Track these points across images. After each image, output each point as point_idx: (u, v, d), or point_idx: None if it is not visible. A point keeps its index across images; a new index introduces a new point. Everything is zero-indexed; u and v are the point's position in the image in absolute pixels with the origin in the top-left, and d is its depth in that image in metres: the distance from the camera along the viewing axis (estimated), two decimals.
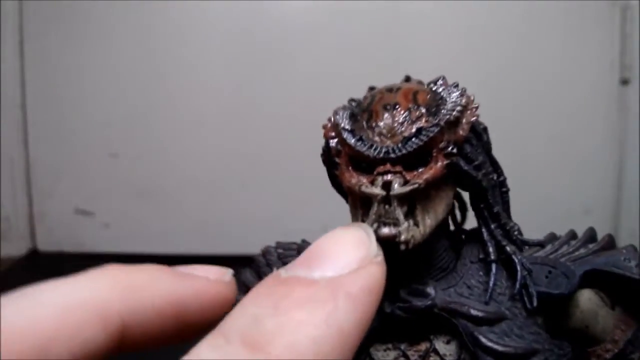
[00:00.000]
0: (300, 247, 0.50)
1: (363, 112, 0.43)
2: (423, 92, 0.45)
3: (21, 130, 1.36)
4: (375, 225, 0.39)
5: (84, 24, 1.32)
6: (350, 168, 0.42)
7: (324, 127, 0.46)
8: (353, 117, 0.44)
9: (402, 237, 0.39)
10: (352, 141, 0.41)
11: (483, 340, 0.40)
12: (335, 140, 0.43)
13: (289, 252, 0.50)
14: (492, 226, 0.46)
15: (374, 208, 0.39)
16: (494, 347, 0.40)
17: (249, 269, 0.50)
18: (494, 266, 0.44)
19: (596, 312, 0.44)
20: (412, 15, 1.36)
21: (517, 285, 0.42)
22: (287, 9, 1.34)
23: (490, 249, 0.44)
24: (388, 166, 0.40)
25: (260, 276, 0.48)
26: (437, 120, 0.42)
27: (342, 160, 0.42)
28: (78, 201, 1.37)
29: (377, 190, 0.39)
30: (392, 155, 0.40)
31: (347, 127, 0.43)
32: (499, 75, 1.38)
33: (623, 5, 1.40)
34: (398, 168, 0.40)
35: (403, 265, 0.42)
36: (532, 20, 1.38)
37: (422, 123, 0.42)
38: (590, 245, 0.49)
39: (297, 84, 1.31)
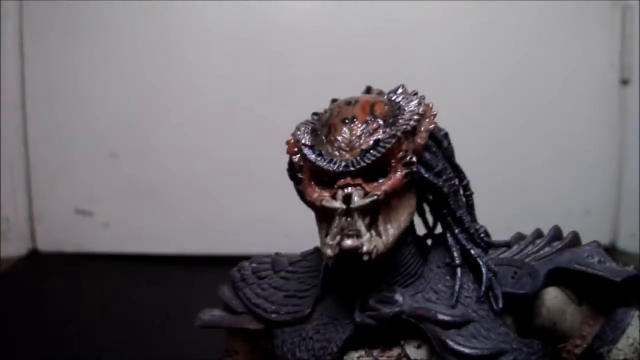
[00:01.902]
0: (274, 261, 0.51)
1: (322, 126, 0.45)
2: (380, 104, 0.45)
3: (21, 131, 1.36)
4: (337, 238, 0.41)
5: (84, 24, 1.32)
6: (312, 183, 0.43)
7: (287, 143, 0.47)
8: (314, 132, 0.45)
9: (365, 249, 0.41)
10: (312, 157, 0.43)
11: (450, 343, 0.42)
12: (298, 156, 0.45)
13: (262, 266, 0.51)
14: (456, 231, 0.47)
15: (336, 221, 0.41)
16: (461, 350, 0.41)
17: (226, 285, 0.51)
18: (459, 270, 0.45)
19: (563, 309, 0.45)
20: (412, 16, 1.36)
21: (483, 288, 0.44)
22: (287, 12, 1.34)
23: (455, 254, 0.46)
24: (348, 179, 0.42)
25: (236, 291, 0.50)
26: (394, 131, 0.43)
27: (305, 176, 0.44)
28: (78, 201, 1.37)
29: (337, 204, 0.41)
30: (351, 168, 0.42)
31: (308, 142, 0.44)
32: (499, 76, 1.38)
33: (623, 5, 1.40)
34: (358, 180, 0.42)
35: (370, 274, 0.44)
36: (532, 21, 1.38)
37: (379, 135, 0.43)
38: (555, 243, 0.50)
39: (297, 84, 1.31)
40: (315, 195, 0.43)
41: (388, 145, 0.42)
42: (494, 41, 1.38)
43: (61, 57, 1.33)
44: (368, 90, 0.49)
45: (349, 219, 0.41)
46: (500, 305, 0.43)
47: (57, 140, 1.36)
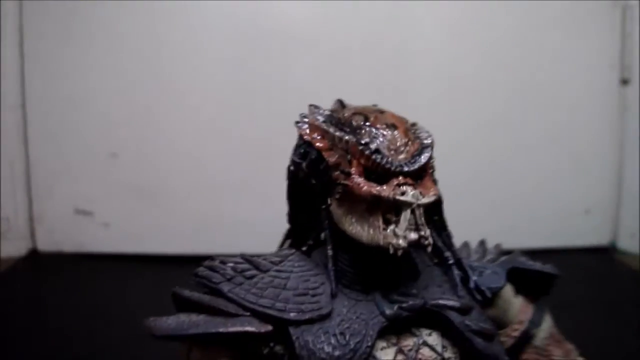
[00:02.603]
0: (252, 261, 0.49)
1: (356, 128, 0.47)
2: (402, 118, 0.50)
3: (21, 130, 1.36)
4: (408, 230, 0.45)
5: (84, 24, 1.32)
6: (363, 177, 0.46)
7: (302, 127, 0.50)
8: (339, 127, 0.48)
9: (429, 240, 0.46)
10: (376, 157, 0.45)
11: (471, 324, 0.48)
12: (319, 145, 0.48)
13: (241, 266, 0.48)
14: (444, 234, 0.53)
15: (407, 215, 0.45)
16: (480, 329, 0.48)
17: (197, 287, 0.48)
18: (454, 268, 0.51)
19: (511, 300, 0.55)
20: (412, 17, 1.36)
21: (472, 283, 0.51)
22: (288, 13, 1.34)
23: (447, 254, 0.52)
24: (407, 179, 0.46)
25: (220, 293, 0.46)
26: (429, 142, 0.48)
27: (357, 170, 0.46)
28: (78, 201, 1.37)
29: (411, 199, 0.45)
30: (407, 169, 0.46)
31: (362, 140, 0.46)
32: (499, 75, 1.38)
33: (623, 5, 1.40)
34: (410, 180, 0.46)
35: (391, 269, 0.48)
36: (532, 20, 1.38)
37: (417, 144, 0.47)
38: (490, 250, 0.60)
39: (297, 85, 1.31)
40: (378, 189, 0.45)
41: (428, 154, 0.47)
42: (494, 41, 1.38)
43: (61, 57, 1.33)
44: (341, 103, 0.52)
45: (414, 213, 0.45)
46: (490, 295, 0.52)
47: (57, 140, 1.36)
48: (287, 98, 1.27)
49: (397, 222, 0.45)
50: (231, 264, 0.48)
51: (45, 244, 1.39)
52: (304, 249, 0.51)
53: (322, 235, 0.51)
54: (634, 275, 1.32)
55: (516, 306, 0.55)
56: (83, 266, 1.32)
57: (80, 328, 0.98)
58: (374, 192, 0.45)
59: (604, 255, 1.44)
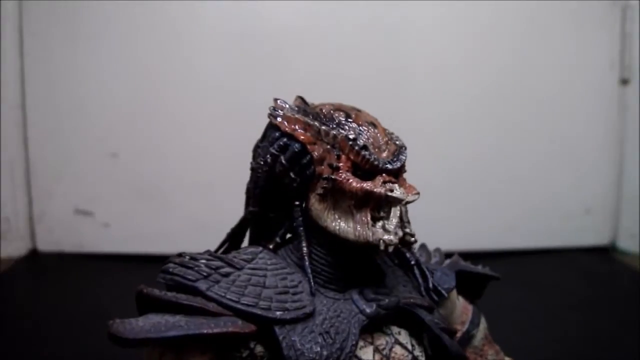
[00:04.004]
0: (223, 258, 0.46)
1: (339, 124, 0.47)
2: (376, 118, 0.50)
3: (21, 131, 1.36)
4: (396, 227, 0.45)
5: (84, 24, 1.32)
6: (351, 173, 0.46)
7: (278, 119, 0.48)
8: (326, 122, 0.47)
9: (415, 237, 0.47)
10: (365, 153, 0.45)
11: (439, 322, 0.49)
12: (303, 138, 0.47)
13: (214, 263, 0.45)
14: None
15: (396, 212, 0.45)
16: (445, 327, 0.50)
17: (168, 286, 0.45)
18: (416, 269, 0.52)
19: (455, 301, 0.56)
20: (410, 16, 1.36)
21: (430, 284, 0.52)
22: (287, 11, 1.34)
23: (408, 255, 0.52)
24: (390, 177, 0.46)
25: (196, 291, 0.43)
26: (402, 143, 0.49)
27: (345, 165, 0.46)
28: (78, 201, 1.37)
29: (402, 196, 0.45)
30: (390, 167, 0.46)
31: (351, 136, 0.46)
32: (499, 75, 1.38)
33: (623, 5, 1.40)
34: (393, 179, 0.46)
35: (366, 268, 0.49)
36: (532, 21, 1.38)
37: (394, 145, 0.48)
38: (436, 258, 0.61)
39: (296, 85, 1.31)
40: (369, 185, 0.45)
41: (406, 154, 0.48)
42: (494, 41, 1.38)
43: (61, 57, 1.33)
44: (303, 100, 0.52)
45: (400, 211, 0.46)
46: (446, 295, 0.53)
47: (57, 140, 1.36)
48: (287, 98, 1.27)
49: (385, 219, 0.45)
50: (203, 261, 0.45)
51: (45, 244, 1.39)
52: (270, 247, 0.49)
53: (292, 232, 0.49)
54: (634, 275, 1.32)
55: (459, 307, 0.57)
56: (83, 266, 1.32)
57: (80, 328, 0.98)
58: (367, 188, 0.45)
59: (604, 255, 1.44)
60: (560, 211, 1.43)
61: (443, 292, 0.52)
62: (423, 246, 0.62)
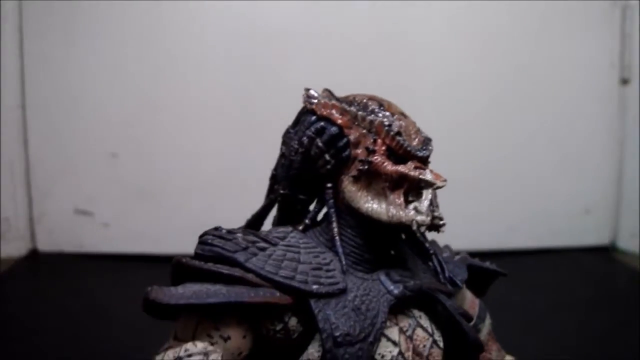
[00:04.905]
0: (259, 234, 0.48)
1: (372, 111, 0.49)
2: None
3: (21, 131, 1.36)
4: (430, 209, 0.46)
5: (84, 24, 1.32)
6: (385, 157, 0.48)
7: (314, 103, 0.50)
8: (362, 109, 0.49)
9: (444, 220, 0.48)
10: (400, 139, 0.48)
11: (459, 309, 0.51)
12: (340, 122, 0.48)
13: (250, 238, 0.47)
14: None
15: (428, 194, 0.47)
16: (464, 312, 0.52)
17: (203, 256, 0.46)
18: (434, 257, 0.53)
19: (464, 294, 0.57)
20: (411, 18, 1.36)
21: (447, 274, 0.53)
22: (287, 13, 1.34)
23: (427, 245, 0.53)
24: (420, 163, 0.48)
25: (235, 262, 0.44)
26: (427, 135, 0.51)
27: (380, 150, 0.48)
28: (78, 201, 1.37)
29: (434, 180, 0.47)
30: (421, 154, 0.49)
31: (386, 122, 0.48)
32: (499, 76, 1.38)
33: (623, 5, 1.40)
34: (423, 165, 0.48)
35: (395, 251, 0.51)
36: (532, 21, 1.38)
37: (421, 135, 0.50)
38: (446, 254, 0.60)
39: (297, 85, 1.31)
40: (403, 168, 0.47)
41: (432, 145, 0.50)
42: (494, 41, 1.38)
43: (61, 58, 1.33)
44: (330, 92, 0.53)
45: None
46: (461, 286, 0.54)
47: (57, 140, 1.36)
48: (288, 98, 1.27)
49: (418, 201, 0.47)
50: (240, 235, 0.47)
51: (45, 244, 1.39)
52: (300, 227, 0.50)
53: (319, 215, 0.51)
54: (634, 275, 1.32)
55: (467, 300, 0.58)
56: (83, 266, 1.32)
57: (80, 328, 0.98)
58: (402, 170, 0.47)
59: (604, 255, 1.44)
60: (560, 211, 1.43)
61: (458, 282, 0.53)
62: (433, 243, 0.62)
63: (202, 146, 1.35)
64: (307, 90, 0.52)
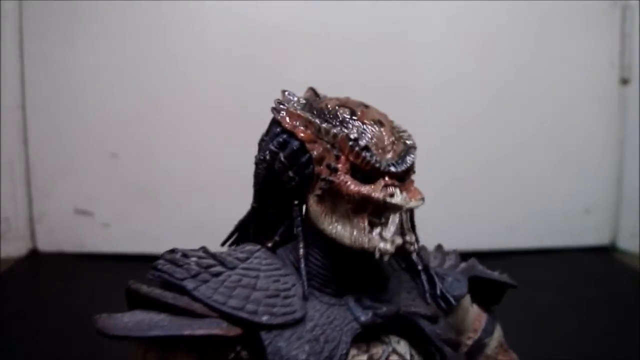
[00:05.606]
0: (217, 256, 0.45)
1: (343, 121, 0.44)
2: (385, 115, 0.47)
3: (21, 131, 1.36)
4: (396, 234, 0.42)
5: (84, 24, 1.32)
6: (350, 175, 0.43)
7: (280, 114, 0.46)
8: (329, 120, 0.45)
9: (414, 246, 0.44)
10: (366, 154, 0.43)
11: (440, 333, 0.47)
12: (302, 136, 0.44)
13: (205, 262, 0.44)
14: None
15: (395, 219, 0.43)
16: (448, 338, 0.47)
17: (159, 283, 0.44)
18: (423, 274, 0.49)
19: (469, 308, 0.54)
20: (411, 18, 1.36)
21: (438, 291, 0.49)
22: (287, 13, 1.34)
23: (416, 260, 0.49)
24: (393, 180, 0.43)
25: (184, 290, 0.42)
26: (413, 142, 0.45)
27: (344, 167, 0.43)
28: (78, 201, 1.37)
29: (401, 202, 0.42)
30: (394, 170, 0.43)
31: (352, 135, 0.43)
32: (499, 76, 1.38)
33: (623, 5, 1.40)
34: (396, 182, 0.43)
35: (366, 273, 0.46)
36: (532, 21, 1.38)
37: (402, 144, 0.45)
38: (450, 257, 0.57)
39: (298, 85, 1.31)
40: (366, 189, 0.43)
41: (414, 155, 0.44)
42: (494, 41, 1.38)
43: (61, 58, 1.33)
44: (314, 92, 0.50)
45: (400, 217, 0.43)
46: (454, 303, 0.49)
47: (57, 140, 1.36)
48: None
49: (383, 225, 0.43)
50: (194, 259, 0.44)
51: (45, 244, 1.39)
52: (269, 245, 0.47)
53: (292, 231, 0.47)
54: (634, 275, 1.32)
55: (472, 315, 0.54)
56: (83, 266, 1.32)
57: (81, 328, 0.98)
58: (365, 192, 0.42)
59: (604, 255, 1.44)
60: (560, 211, 1.43)
61: (451, 300, 0.49)
62: (439, 247, 0.59)
63: (202, 146, 1.35)
64: (283, 92, 0.48)
